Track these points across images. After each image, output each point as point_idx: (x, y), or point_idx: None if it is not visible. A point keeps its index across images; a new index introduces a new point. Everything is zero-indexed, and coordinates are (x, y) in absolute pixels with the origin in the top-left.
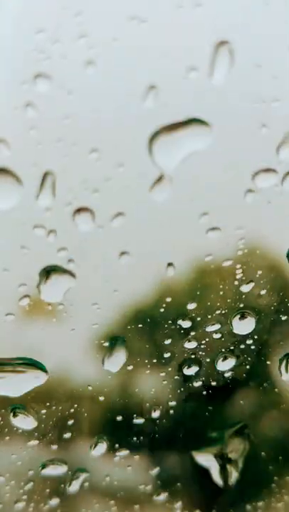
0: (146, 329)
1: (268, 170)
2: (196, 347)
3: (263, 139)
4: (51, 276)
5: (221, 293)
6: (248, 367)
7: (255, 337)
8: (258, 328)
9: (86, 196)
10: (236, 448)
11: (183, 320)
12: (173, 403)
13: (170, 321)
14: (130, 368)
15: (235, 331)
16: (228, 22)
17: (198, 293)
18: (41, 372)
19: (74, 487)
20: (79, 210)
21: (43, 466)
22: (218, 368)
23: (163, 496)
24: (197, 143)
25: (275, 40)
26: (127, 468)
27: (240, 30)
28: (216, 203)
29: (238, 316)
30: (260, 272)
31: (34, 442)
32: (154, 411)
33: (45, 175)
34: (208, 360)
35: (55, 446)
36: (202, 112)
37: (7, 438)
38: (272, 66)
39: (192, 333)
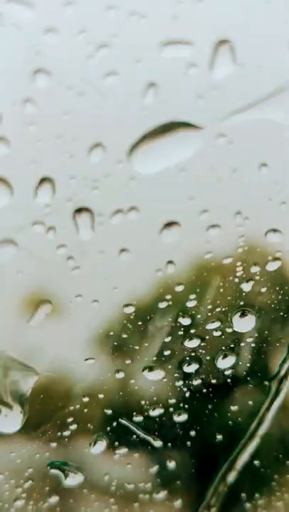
0: (146, 327)
1: (268, 167)
2: (196, 345)
3: (263, 136)
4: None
5: (221, 290)
6: (248, 365)
7: (256, 335)
8: (259, 325)
9: (86, 193)
10: None
11: (183, 317)
12: (172, 401)
13: (170, 319)
14: (130, 365)
15: (236, 328)
16: (229, 21)
17: (198, 290)
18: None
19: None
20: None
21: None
22: (218, 366)
23: (162, 494)
24: (183, 151)
25: (275, 40)
26: (127, 466)
27: (240, 30)
28: (216, 201)
29: (239, 313)
30: (260, 270)
31: (33, 440)
32: (154, 409)
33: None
34: (208, 357)
35: (54, 444)
36: (201, 110)
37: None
38: (272, 66)
39: (192, 331)
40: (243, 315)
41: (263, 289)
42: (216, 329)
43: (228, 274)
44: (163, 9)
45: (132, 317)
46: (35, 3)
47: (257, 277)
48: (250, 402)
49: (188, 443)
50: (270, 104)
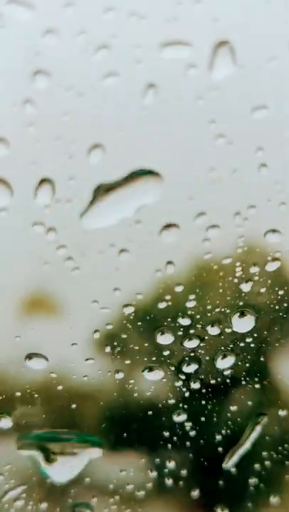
0: (146, 327)
1: (268, 168)
2: (196, 345)
3: (263, 136)
4: None
5: (221, 291)
6: (247, 365)
7: (255, 335)
8: (258, 326)
9: (85, 194)
10: None
11: (182, 318)
12: (172, 401)
13: (169, 319)
14: (129, 365)
15: (235, 328)
16: (228, 22)
17: (197, 291)
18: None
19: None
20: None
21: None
22: (218, 366)
23: (163, 495)
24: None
25: (275, 40)
26: (126, 467)
27: (240, 30)
28: (216, 201)
29: (238, 314)
30: (259, 270)
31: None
32: (153, 409)
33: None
34: (207, 358)
35: (54, 444)
36: (201, 111)
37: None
38: (272, 66)
39: (191, 331)
40: (242, 315)
41: (263, 290)
42: (215, 329)
43: (228, 275)
44: (162, 10)
45: (131, 317)
46: (35, 4)
47: (256, 278)
48: (250, 403)
49: (188, 443)
50: None
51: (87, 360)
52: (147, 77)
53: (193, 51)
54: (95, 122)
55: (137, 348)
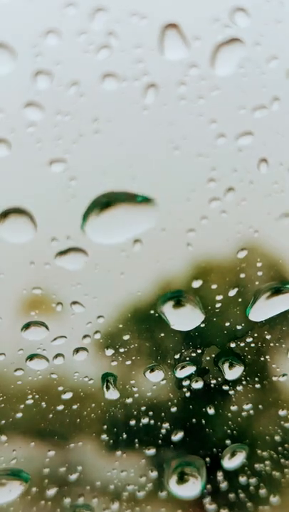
0: (146, 327)
1: (268, 167)
2: (196, 345)
3: (263, 136)
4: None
5: (221, 291)
6: (247, 365)
7: (255, 335)
8: (258, 326)
9: (86, 193)
10: None
11: None
12: (172, 402)
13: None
14: (130, 366)
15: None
16: (229, 22)
17: (198, 291)
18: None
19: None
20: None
21: None
22: (218, 366)
23: (163, 495)
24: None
25: (276, 40)
26: (127, 468)
27: (240, 30)
28: (216, 201)
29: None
30: (259, 270)
31: (34, 440)
32: (154, 410)
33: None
34: (207, 358)
35: (54, 445)
36: (201, 109)
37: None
38: (272, 66)
39: (191, 332)
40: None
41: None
42: (215, 329)
43: (228, 275)
44: (163, 10)
45: (131, 318)
46: (36, 4)
47: (257, 277)
48: (250, 403)
49: (188, 444)
50: None
51: (87, 360)
52: (148, 77)
53: (194, 51)
54: (96, 123)
55: (136, 348)
